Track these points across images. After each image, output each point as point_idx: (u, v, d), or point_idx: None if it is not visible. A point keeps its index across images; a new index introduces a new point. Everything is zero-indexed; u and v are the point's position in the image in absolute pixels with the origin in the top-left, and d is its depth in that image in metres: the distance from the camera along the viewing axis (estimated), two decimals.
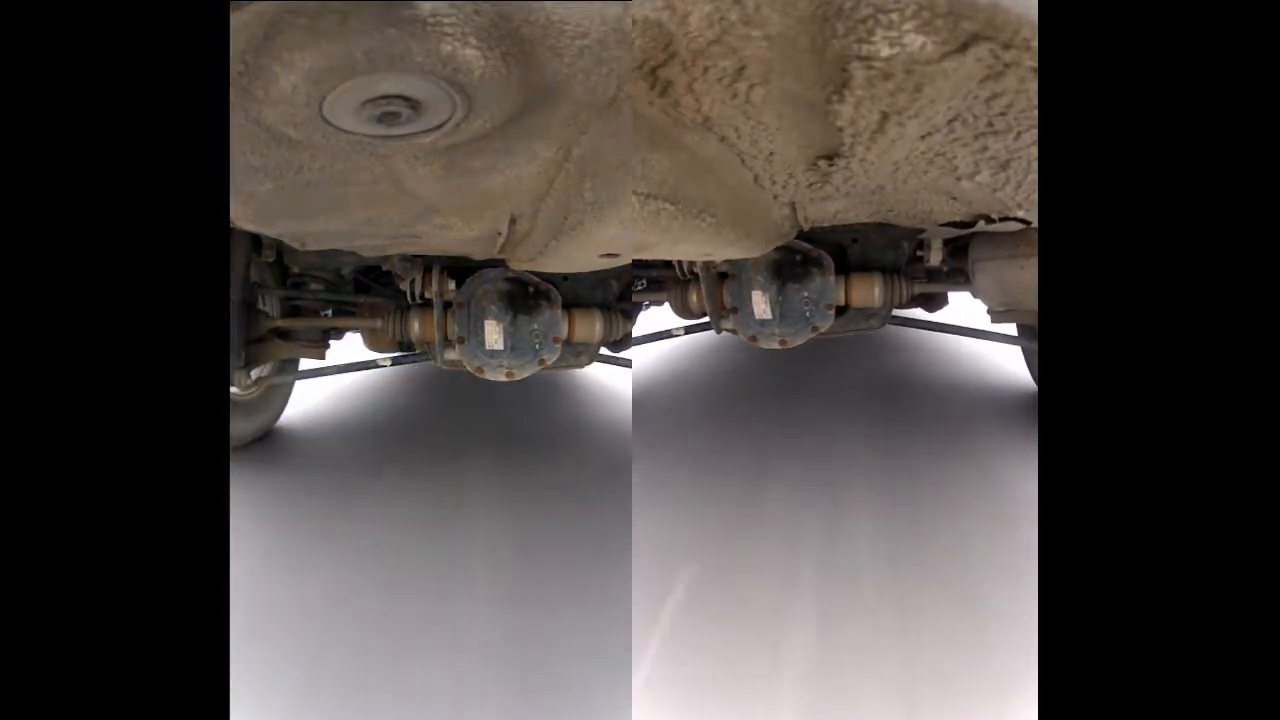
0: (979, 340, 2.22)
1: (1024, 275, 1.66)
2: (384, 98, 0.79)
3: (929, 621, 1.29)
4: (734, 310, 1.93)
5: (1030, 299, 1.72)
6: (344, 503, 1.97)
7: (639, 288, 2.34)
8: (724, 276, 1.94)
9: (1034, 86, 0.80)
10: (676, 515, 1.74)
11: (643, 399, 2.60)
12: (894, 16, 0.71)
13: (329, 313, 2.28)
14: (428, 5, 0.68)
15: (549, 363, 1.93)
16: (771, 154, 1.05)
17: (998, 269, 1.71)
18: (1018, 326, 2.23)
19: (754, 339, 1.94)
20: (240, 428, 2.28)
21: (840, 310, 1.92)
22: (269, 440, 2.48)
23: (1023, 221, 1.33)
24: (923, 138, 0.96)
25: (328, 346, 2.29)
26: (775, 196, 1.24)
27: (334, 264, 2.01)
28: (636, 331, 2.26)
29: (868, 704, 1.13)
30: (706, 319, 2.05)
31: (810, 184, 1.17)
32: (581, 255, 1.42)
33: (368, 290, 2.15)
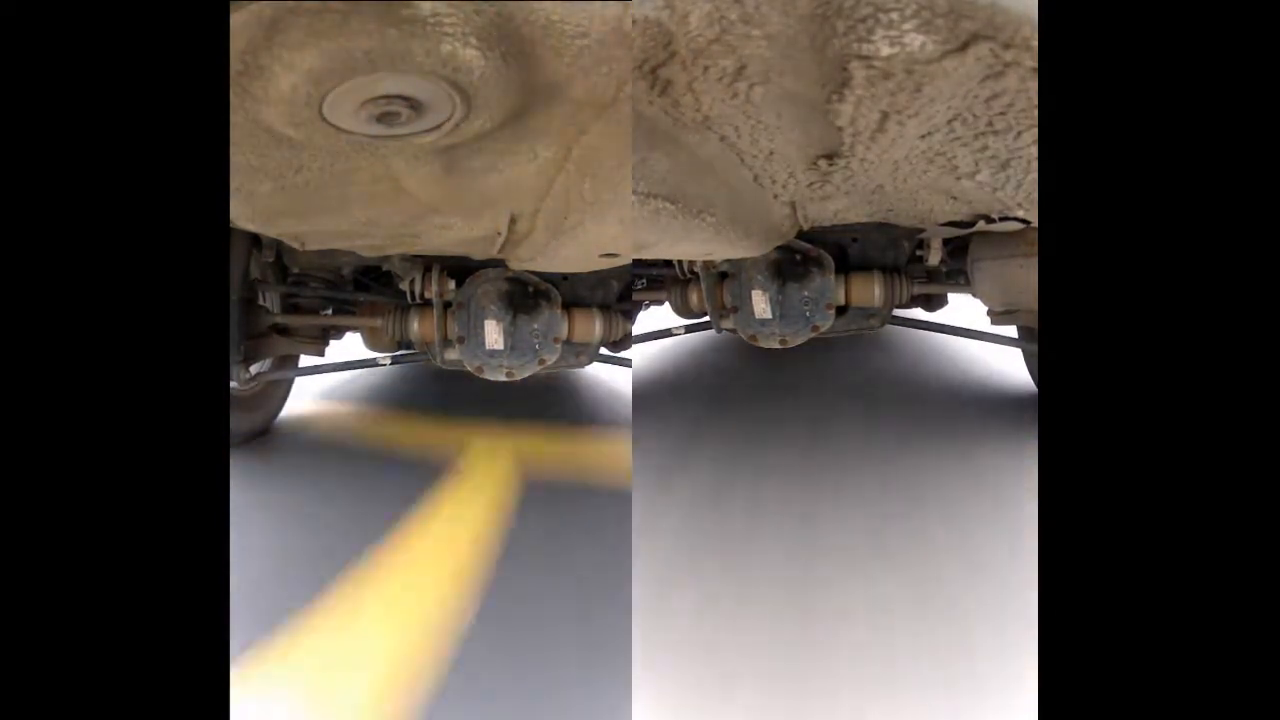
0: (979, 341, 2.23)
1: (1024, 275, 1.66)
2: (384, 98, 0.79)
3: (925, 621, 1.29)
4: (734, 309, 1.93)
5: (1030, 299, 1.72)
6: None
7: (639, 287, 2.34)
8: (724, 276, 1.94)
9: (1034, 86, 0.80)
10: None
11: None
12: (894, 16, 0.71)
13: (329, 311, 2.28)
14: (428, 5, 0.68)
15: (549, 362, 1.93)
16: (771, 153, 1.05)
17: (998, 269, 1.71)
18: (1017, 330, 2.23)
19: (754, 338, 1.94)
20: (240, 423, 2.29)
21: (840, 310, 1.92)
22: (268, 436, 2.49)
23: (1023, 221, 1.33)
24: (923, 137, 0.96)
25: (327, 343, 2.29)
26: (775, 196, 1.24)
27: (334, 263, 2.02)
28: (636, 331, 2.26)
29: (875, 697, 1.13)
30: (706, 318, 2.06)
31: (810, 183, 1.17)
32: (581, 255, 1.42)
33: (368, 290, 2.16)
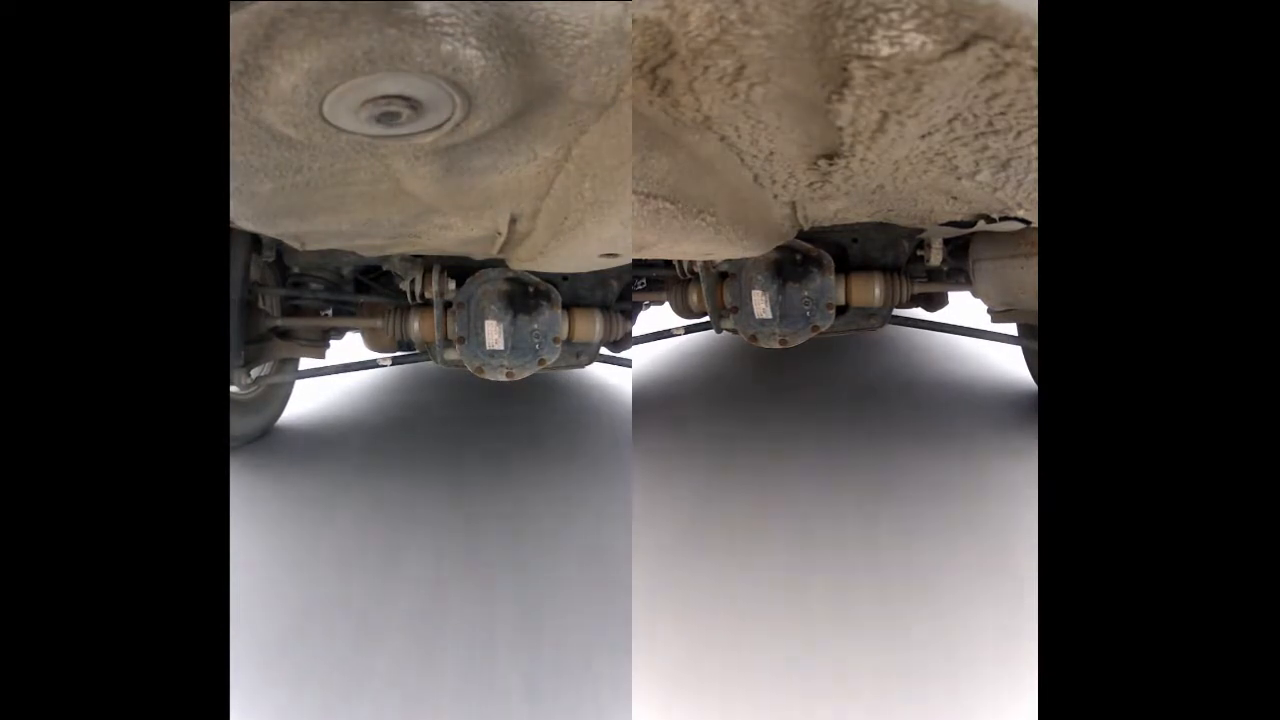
0: (979, 340, 2.22)
1: (1024, 275, 1.66)
2: (384, 98, 0.79)
3: (923, 621, 1.29)
4: (734, 310, 1.93)
5: (1030, 298, 1.72)
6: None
7: (639, 288, 2.34)
8: (724, 276, 1.94)
9: (1034, 86, 0.80)
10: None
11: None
12: (894, 15, 0.71)
13: (329, 312, 2.28)
14: (428, 5, 0.68)
15: (549, 363, 1.93)
16: (771, 153, 1.05)
17: (998, 269, 1.71)
18: (1018, 326, 2.23)
19: (754, 338, 1.94)
20: (240, 426, 2.28)
21: (840, 310, 1.92)
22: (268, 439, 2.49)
23: (1023, 221, 1.33)
24: (923, 137, 0.96)
25: (327, 346, 2.29)
26: (775, 196, 1.24)
27: (334, 264, 2.02)
28: (636, 331, 2.26)
29: (875, 696, 1.13)
30: (706, 319, 2.06)
31: (810, 183, 1.17)
32: (581, 255, 1.42)
33: (368, 290, 2.15)
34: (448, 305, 1.91)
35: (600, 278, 1.97)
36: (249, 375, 2.18)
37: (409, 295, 1.94)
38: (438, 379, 3.23)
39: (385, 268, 1.95)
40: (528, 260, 1.51)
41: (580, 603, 1.44)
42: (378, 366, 2.23)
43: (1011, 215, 1.27)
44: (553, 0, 0.70)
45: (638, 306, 2.71)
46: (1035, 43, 0.72)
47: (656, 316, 2.72)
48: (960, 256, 1.90)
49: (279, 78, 0.76)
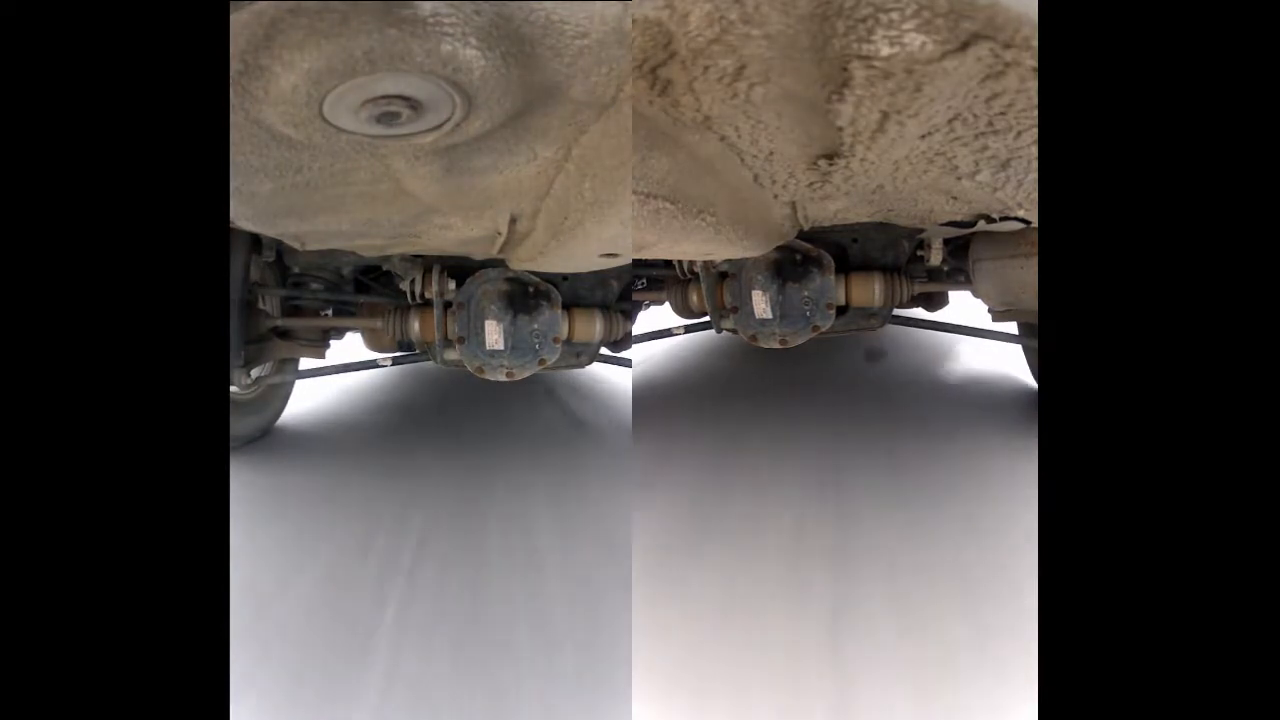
0: (979, 340, 2.22)
1: (1024, 275, 1.66)
2: (384, 98, 0.79)
3: (928, 620, 1.29)
4: (734, 309, 1.93)
5: (1030, 298, 1.72)
6: None
7: (639, 288, 2.34)
8: (724, 276, 1.94)
9: (1034, 86, 0.80)
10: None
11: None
12: (894, 15, 0.71)
13: (329, 312, 2.28)
14: (428, 5, 0.68)
15: (549, 363, 1.93)
16: (771, 153, 1.05)
17: (998, 268, 1.71)
18: (1018, 325, 2.23)
19: (754, 338, 1.94)
20: (240, 427, 2.28)
21: (841, 310, 1.92)
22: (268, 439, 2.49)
23: (1023, 221, 1.33)
24: (923, 137, 0.96)
25: (328, 346, 2.29)
26: (775, 196, 1.24)
27: (334, 264, 2.02)
28: (636, 331, 2.26)
29: (875, 695, 1.13)
30: (706, 319, 2.06)
31: (810, 183, 1.17)
32: (581, 255, 1.42)
33: (368, 290, 2.16)
34: (448, 305, 1.91)
35: (600, 278, 1.97)
36: (249, 375, 2.18)
37: (409, 295, 1.94)
38: (438, 379, 3.23)
39: (385, 268, 1.95)
40: (528, 260, 1.51)
41: (580, 602, 1.44)
42: (378, 366, 2.23)
43: (1011, 215, 1.27)
44: (553, 0, 0.70)
45: (638, 306, 2.71)
46: (1035, 43, 0.72)
47: (656, 316, 2.72)
48: (960, 256, 1.90)
49: (279, 78, 0.76)
